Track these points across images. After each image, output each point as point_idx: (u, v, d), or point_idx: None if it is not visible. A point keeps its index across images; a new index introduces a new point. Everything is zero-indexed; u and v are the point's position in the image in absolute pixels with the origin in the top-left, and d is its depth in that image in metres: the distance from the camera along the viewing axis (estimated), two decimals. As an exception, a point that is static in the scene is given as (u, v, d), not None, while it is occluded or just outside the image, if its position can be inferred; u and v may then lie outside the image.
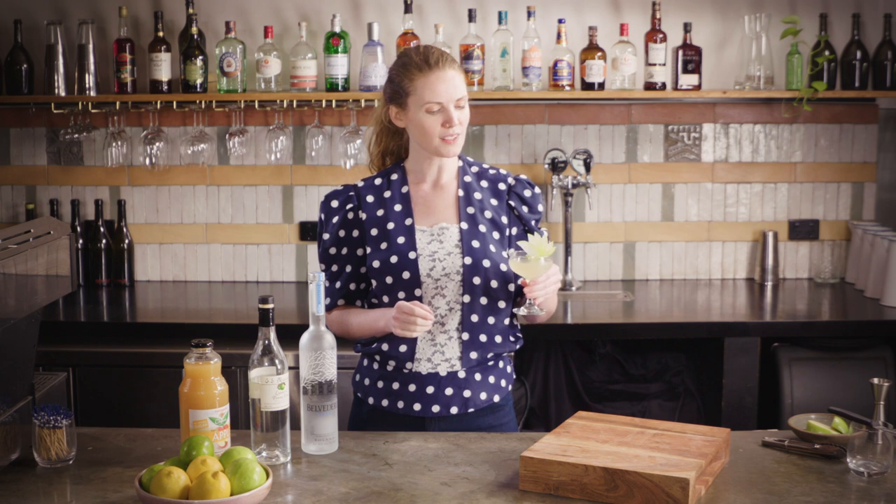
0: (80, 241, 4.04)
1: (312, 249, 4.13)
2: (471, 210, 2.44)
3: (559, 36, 3.86)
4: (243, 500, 1.85)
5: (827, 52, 3.89)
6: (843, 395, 3.39)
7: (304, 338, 2.19)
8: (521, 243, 2.34)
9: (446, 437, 2.31)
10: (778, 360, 3.53)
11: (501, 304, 2.42)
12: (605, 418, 2.22)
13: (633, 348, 3.92)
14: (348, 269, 2.47)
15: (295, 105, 3.94)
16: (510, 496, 1.97)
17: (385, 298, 2.42)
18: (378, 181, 2.50)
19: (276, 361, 2.13)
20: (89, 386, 3.42)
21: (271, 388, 2.12)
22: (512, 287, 2.43)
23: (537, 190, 2.52)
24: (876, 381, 2.13)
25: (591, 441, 2.07)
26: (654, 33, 3.86)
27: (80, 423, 2.48)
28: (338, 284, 2.48)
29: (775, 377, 3.53)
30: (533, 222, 2.50)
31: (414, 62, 2.38)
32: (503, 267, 2.41)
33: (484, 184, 2.50)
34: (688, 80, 3.87)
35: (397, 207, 2.45)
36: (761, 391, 3.53)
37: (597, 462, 1.95)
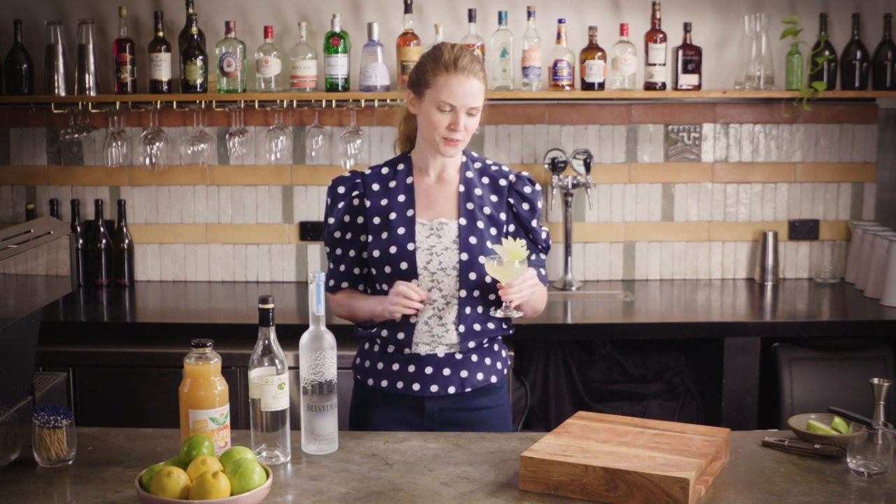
0: (80, 241, 4.04)
1: (312, 249, 4.13)
2: (470, 206, 2.50)
3: (559, 36, 3.86)
4: (243, 500, 1.85)
5: (827, 52, 3.89)
6: (843, 395, 3.38)
7: (304, 338, 2.19)
8: (495, 247, 2.39)
9: (446, 437, 2.31)
10: (778, 360, 3.52)
11: (493, 297, 2.48)
12: (605, 418, 2.22)
13: (633, 348, 3.92)
14: (352, 253, 2.53)
15: (295, 105, 3.94)
16: (510, 496, 1.97)
17: (384, 286, 2.48)
18: (385, 170, 2.56)
19: (276, 361, 2.13)
20: (89, 386, 3.42)
21: (271, 388, 2.12)
22: None
23: (538, 187, 2.57)
24: (876, 381, 2.13)
25: (591, 441, 2.07)
26: (654, 33, 3.85)
27: (80, 423, 2.48)
28: (342, 267, 2.55)
29: (775, 377, 3.53)
30: (534, 222, 2.54)
31: (444, 59, 2.42)
32: None
33: (485, 180, 2.55)
34: (688, 80, 3.87)
35: (401, 198, 2.50)
36: (761, 391, 3.53)
37: (597, 462, 1.95)
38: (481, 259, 2.44)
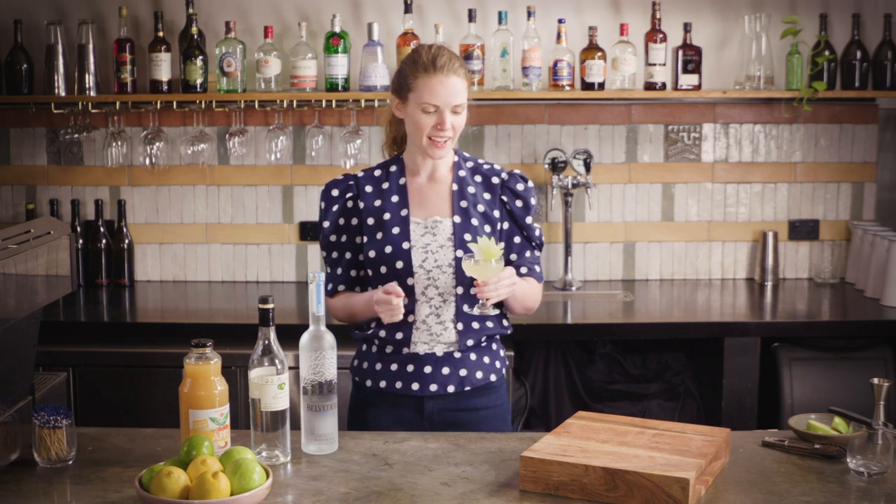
0: (80, 241, 4.04)
1: (312, 249, 4.13)
2: (464, 204, 2.51)
3: (559, 36, 3.86)
4: (243, 500, 1.85)
5: (827, 52, 3.89)
6: (843, 395, 3.38)
7: (304, 338, 2.19)
8: (470, 245, 2.42)
9: (446, 437, 2.31)
10: (778, 360, 3.53)
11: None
12: (605, 418, 2.22)
13: (633, 348, 3.92)
14: (348, 255, 2.55)
15: (295, 105, 3.94)
16: (510, 496, 1.97)
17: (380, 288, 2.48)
18: (377, 172, 2.58)
19: (276, 361, 2.13)
20: (89, 386, 3.42)
21: (271, 388, 2.12)
22: None
23: (530, 184, 2.59)
24: (876, 381, 2.13)
25: (591, 441, 2.07)
26: (654, 33, 3.86)
27: (80, 423, 2.47)
28: (339, 270, 2.56)
29: (775, 377, 3.53)
30: (528, 219, 2.56)
31: (422, 61, 2.44)
32: None
33: (478, 178, 2.57)
34: (688, 80, 3.87)
35: (394, 198, 2.53)
36: (761, 391, 3.53)
37: (597, 462, 1.95)
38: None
